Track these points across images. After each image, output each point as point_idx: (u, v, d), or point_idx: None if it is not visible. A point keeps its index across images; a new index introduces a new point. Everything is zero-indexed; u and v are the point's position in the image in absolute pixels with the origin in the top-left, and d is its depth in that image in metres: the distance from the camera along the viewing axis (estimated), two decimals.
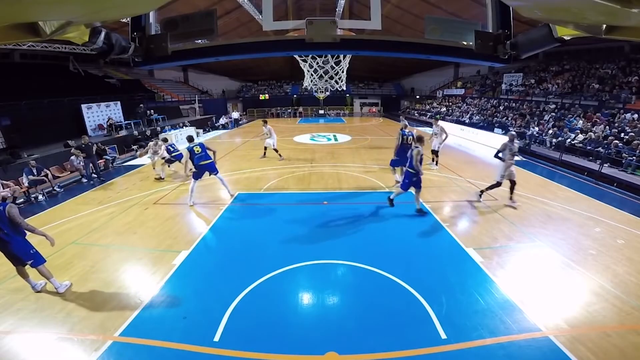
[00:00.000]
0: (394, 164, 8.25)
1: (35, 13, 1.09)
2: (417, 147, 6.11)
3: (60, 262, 4.84)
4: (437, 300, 3.80)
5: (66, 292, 4.10)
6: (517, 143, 7.01)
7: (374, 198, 7.52)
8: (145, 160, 12.72)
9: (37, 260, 4.03)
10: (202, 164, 7.18)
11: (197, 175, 7.29)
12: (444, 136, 9.93)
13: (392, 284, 4.15)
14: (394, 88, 35.77)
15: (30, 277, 4.16)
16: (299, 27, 2.00)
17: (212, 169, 7.33)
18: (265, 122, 11.49)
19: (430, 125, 19.97)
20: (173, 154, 9.58)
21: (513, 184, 6.77)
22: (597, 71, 17.11)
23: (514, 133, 7.20)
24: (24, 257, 3.96)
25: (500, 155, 6.77)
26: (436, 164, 10.18)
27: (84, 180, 9.66)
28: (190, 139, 7.45)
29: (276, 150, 11.57)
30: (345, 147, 14.34)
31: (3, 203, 3.88)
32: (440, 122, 10.42)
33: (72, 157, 10.01)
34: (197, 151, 7.14)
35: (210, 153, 7.31)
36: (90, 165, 9.75)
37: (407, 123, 10.66)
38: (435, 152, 10.15)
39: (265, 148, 11.69)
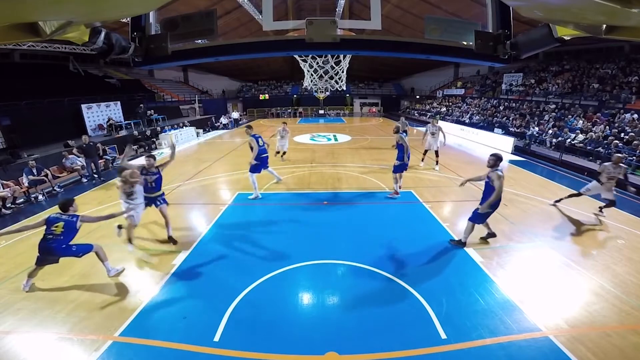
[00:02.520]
0: (400, 169, 7.23)
1: (35, 13, 1.09)
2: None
3: (61, 262, 4.81)
4: (437, 300, 3.80)
5: (67, 291, 4.11)
6: (623, 166, 5.90)
7: (374, 198, 7.52)
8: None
9: (85, 249, 4.25)
10: (263, 156, 7.29)
11: (258, 169, 7.28)
12: (441, 136, 9.86)
13: (392, 284, 4.15)
14: (394, 88, 35.77)
15: (32, 278, 4.22)
16: (299, 27, 2.00)
17: (267, 163, 7.55)
18: (285, 123, 11.22)
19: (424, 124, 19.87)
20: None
21: (610, 203, 6.14)
22: (597, 71, 17.11)
23: (619, 155, 6.08)
24: (75, 255, 4.17)
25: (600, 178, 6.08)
26: (436, 164, 10.19)
27: (84, 180, 9.65)
28: (250, 127, 7.42)
29: (284, 153, 11.40)
30: (345, 147, 14.34)
31: (75, 215, 4.18)
32: (439, 122, 10.31)
33: (63, 160, 9.96)
34: (261, 143, 7.23)
35: (266, 146, 7.47)
36: (92, 164, 9.72)
37: (407, 123, 10.63)
38: (436, 152, 10.08)
39: (285, 152, 11.37)
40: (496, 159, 4.69)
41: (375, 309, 3.71)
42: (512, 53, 1.90)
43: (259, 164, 7.26)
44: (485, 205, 4.64)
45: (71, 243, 4.16)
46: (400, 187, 7.62)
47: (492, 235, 5.25)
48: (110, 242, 5.50)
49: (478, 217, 4.88)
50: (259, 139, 7.23)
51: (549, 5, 1.38)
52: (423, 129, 11.54)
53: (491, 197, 4.57)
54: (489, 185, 4.68)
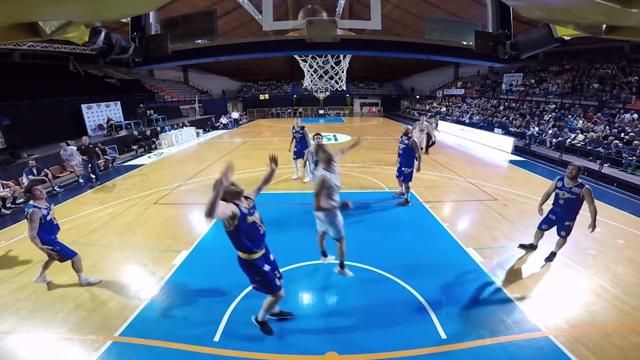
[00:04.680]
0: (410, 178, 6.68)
1: (35, 13, 1.09)
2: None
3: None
4: (437, 300, 3.80)
5: (67, 291, 4.10)
6: None
7: (374, 198, 7.52)
8: (144, 160, 12.74)
9: (66, 252, 4.08)
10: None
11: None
12: (425, 133, 10.39)
13: (392, 284, 4.15)
14: (394, 88, 35.77)
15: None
16: (299, 27, 2.00)
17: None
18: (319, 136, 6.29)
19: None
20: None
21: None
22: (597, 71, 17.12)
23: None
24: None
25: None
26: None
27: (80, 180, 9.57)
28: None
29: None
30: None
31: (28, 205, 3.90)
32: (426, 122, 10.83)
33: (61, 151, 9.67)
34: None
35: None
36: (89, 166, 9.52)
37: (420, 125, 10.83)
38: (421, 149, 10.49)
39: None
40: (579, 170, 4.23)
41: (375, 309, 3.70)
42: (512, 53, 1.90)
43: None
44: (592, 223, 4.11)
45: (55, 239, 4.06)
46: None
47: (533, 247, 4.90)
48: (110, 243, 5.50)
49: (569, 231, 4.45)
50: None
51: (549, 5, 1.38)
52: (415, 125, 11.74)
53: (593, 215, 4.08)
54: (572, 201, 4.20)
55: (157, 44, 1.89)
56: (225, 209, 2.48)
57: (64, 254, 4.07)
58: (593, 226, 4.09)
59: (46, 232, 3.94)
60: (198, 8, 16.12)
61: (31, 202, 3.94)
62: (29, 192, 3.95)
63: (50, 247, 3.93)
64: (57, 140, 12.00)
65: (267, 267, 2.90)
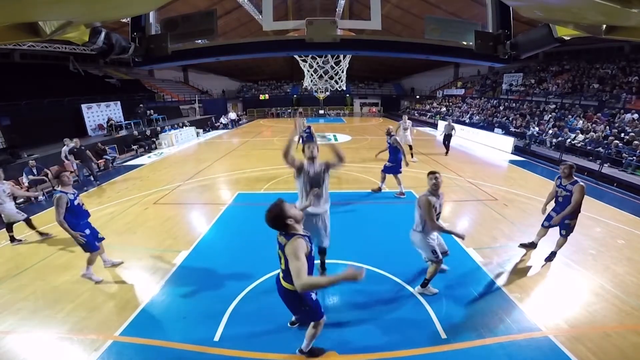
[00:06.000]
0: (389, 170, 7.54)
1: (35, 13, 1.09)
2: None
3: (61, 262, 4.84)
4: (437, 300, 3.80)
5: (67, 291, 4.10)
6: None
7: (374, 198, 7.51)
8: (144, 160, 12.74)
9: (91, 243, 4.21)
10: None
11: None
12: (409, 130, 10.93)
13: (392, 284, 4.15)
14: (394, 88, 35.76)
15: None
16: (299, 27, 2.00)
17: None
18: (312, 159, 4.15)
19: (430, 125, 19.99)
20: None
21: None
22: (597, 71, 17.12)
23: None
24: (79, 242, 4.15)
25: None
26: (412, 156, 11.00)
27: (80, 181, 9.50)
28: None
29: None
30: (345, 147, 14.33)
31: (55, 191, 4.08)
32: (408, 121, 11.24)
33: (64, 147, 9.38)
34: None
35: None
36: (85, 169, 9.24)
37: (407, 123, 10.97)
38: (410, 147, 11.07)
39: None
40: (571, 168, 4.35)
41: (375, 309, 3.71)
42: (512, 53, 1.91)
43: None
44: (558, 218, 4.34)
45: (85, 224, 4.23)
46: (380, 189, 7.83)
47: (533, 245, 4.92)
48: (110, 243, 5.49)
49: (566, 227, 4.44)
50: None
51: (549, 5, 1.39)
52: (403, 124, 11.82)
53: (565, 210, 4.23)
54: (568, 198, 4.26)
55: (157, 44, 1.89)
56: (304, 258, 2.26)
57: (88, 245, 4.17)
58: (560, 217, 4.26)
59: (75, 217, 4.10)
60: (198, 8, 16.12)
61: (59, 188, 4.12)
62: (58, 177, 4.18)
63: (80, 234, 4.08)
64: (57, 140, 12.01)
65: (314, 296, 2.73)
